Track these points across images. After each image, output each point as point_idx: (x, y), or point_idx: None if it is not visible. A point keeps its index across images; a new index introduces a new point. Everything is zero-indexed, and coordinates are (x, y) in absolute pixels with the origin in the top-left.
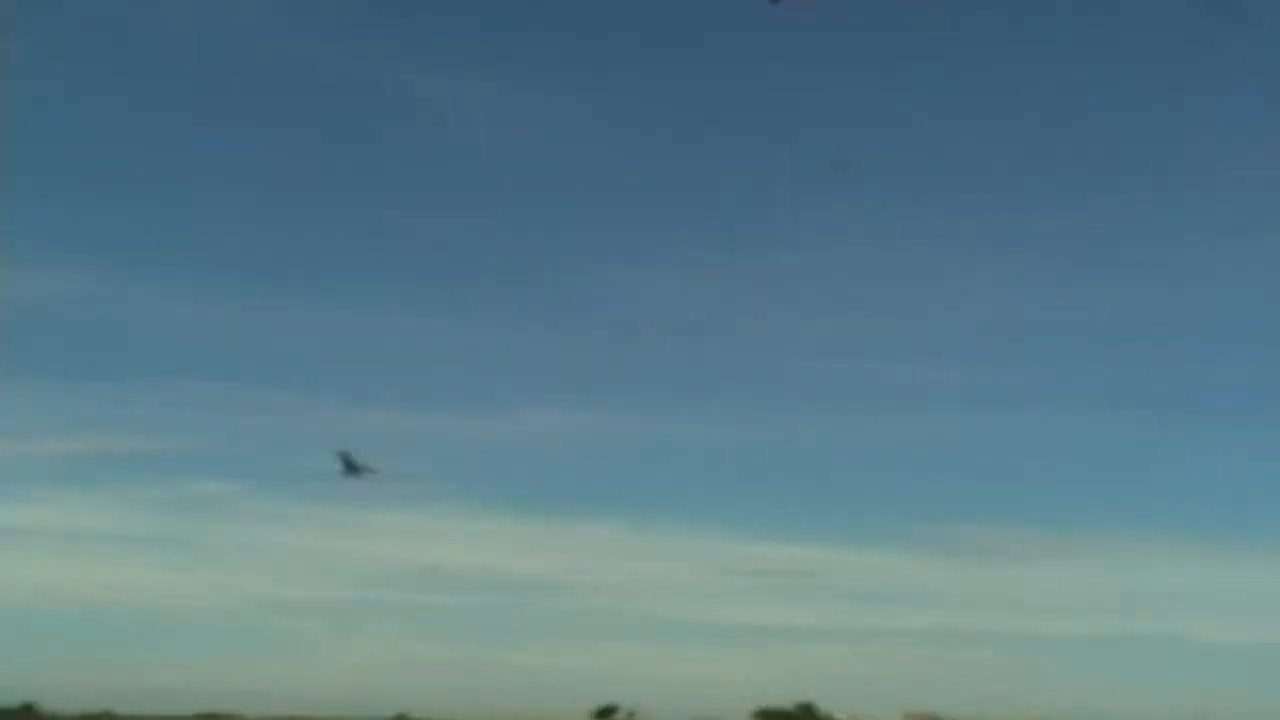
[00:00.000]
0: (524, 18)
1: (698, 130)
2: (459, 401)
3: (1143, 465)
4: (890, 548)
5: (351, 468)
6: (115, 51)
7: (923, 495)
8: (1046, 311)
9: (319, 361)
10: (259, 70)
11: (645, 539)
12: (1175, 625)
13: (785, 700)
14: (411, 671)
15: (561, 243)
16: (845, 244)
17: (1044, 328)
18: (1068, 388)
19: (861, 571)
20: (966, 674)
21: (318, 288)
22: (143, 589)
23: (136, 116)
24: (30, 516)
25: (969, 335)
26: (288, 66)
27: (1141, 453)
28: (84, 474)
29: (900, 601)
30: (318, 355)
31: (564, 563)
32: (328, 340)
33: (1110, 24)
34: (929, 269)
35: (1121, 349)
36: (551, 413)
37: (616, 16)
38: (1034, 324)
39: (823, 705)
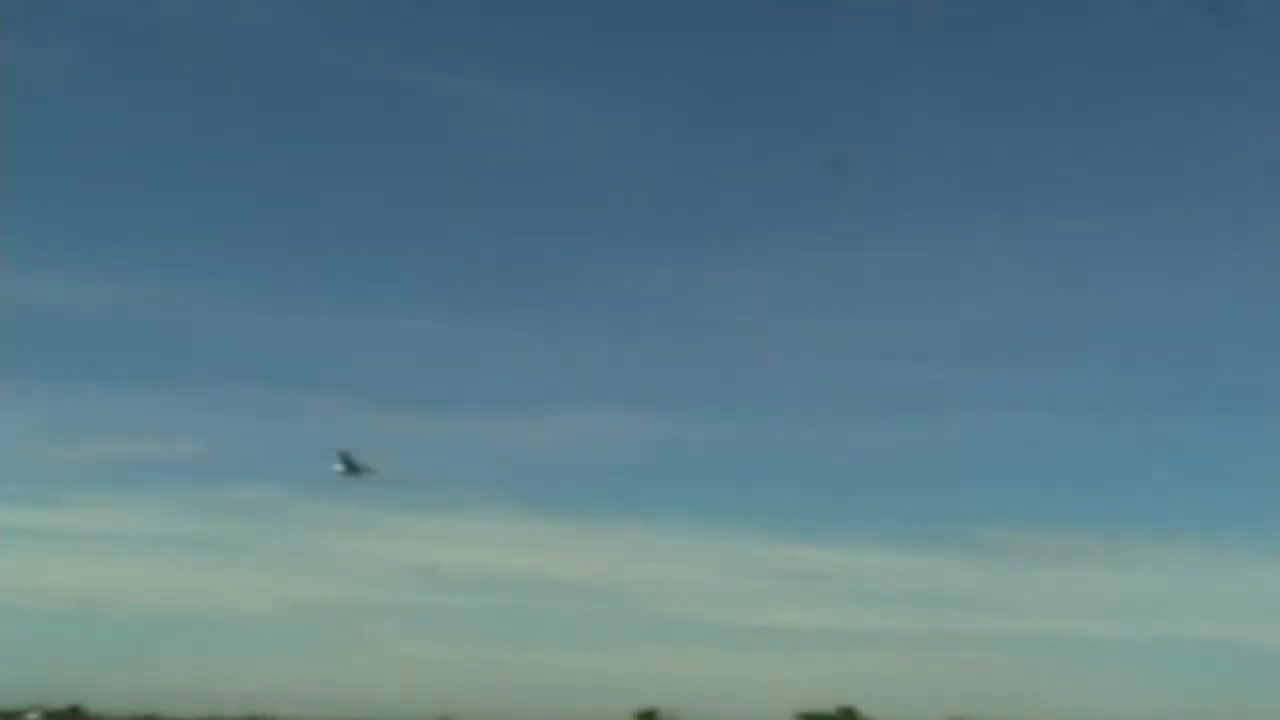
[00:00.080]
0: (544, 17)
1: (722, 131)
2: (493, 405)
3: (1185, 467)
4: (933, 551)
5: (352, 468)
6: (151, 59)
7: (965, 498)
8: (1081, 313)
9: (356, 366)
10: (292, 74)
11: (682, 542)
12: (1222, 629)
13: (827, 704)
14: (453, 675)
15: (589, 246)
16: (874, 246)
17: (1079, 329)
18: (1107, 389)
19: (902, 575)
20: (1010, 678)
21: (355, 293)
22: (187, 592)
23: (184, 123)
24: (75, 520)
25: (1005, 337)
26: (322, 70)
27: (1185, 454)
28: (128, 478)
29: (943, 605)
30: (355, 359)
31: (603, 566)
32: (366, 345)
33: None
34: (959, 270)
35: (1162, 350)
36: (586, 416)
37: (640, 17)
38: (1068, 325)
39: (865, 709)
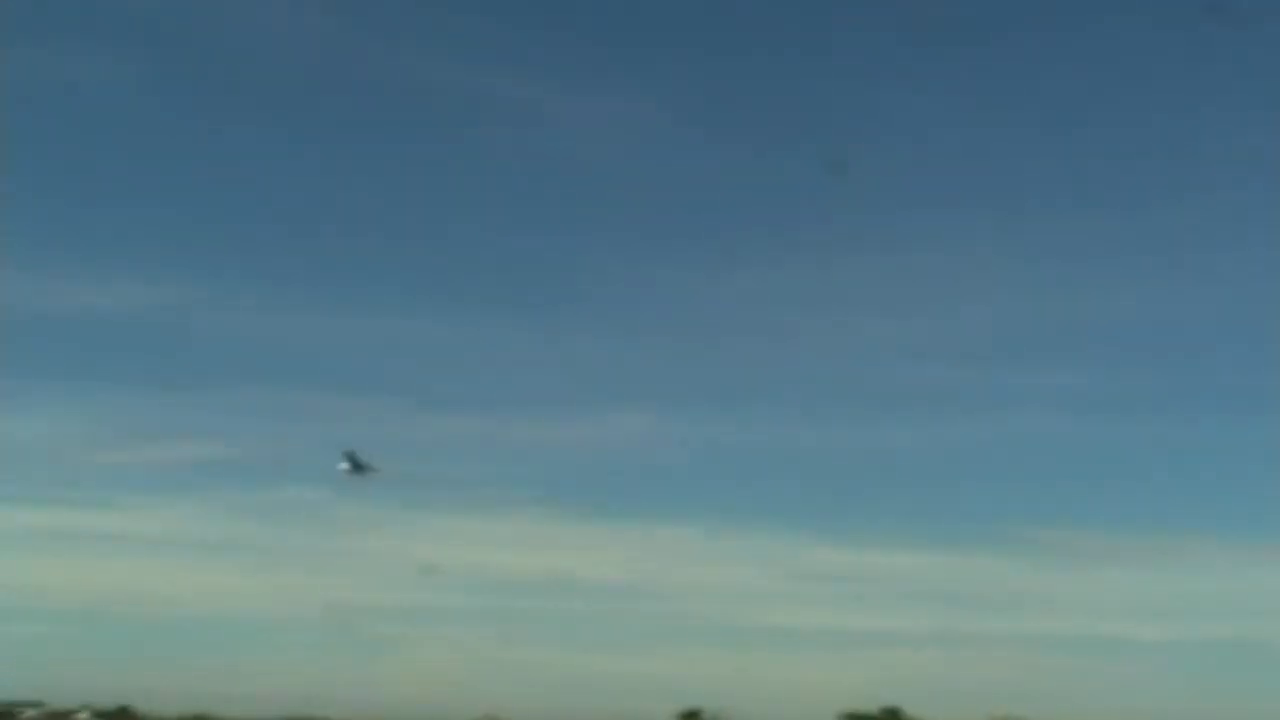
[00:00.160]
0: (592, 21)
1: (768, 134)
2: (534, 407)
3: (1227, 467)
4: (976, 551)
5: (357, 466)
6: (189, 65)
7: (1008, 498)
8: (1121, 312)
9: (397, 369)
10: (327, 79)
11: (725, 543)
12: (1263, 629)
13: (871, 705)
14: (495, 676)
15: (634, 247)
16: (920, 247)
17: (1119, 329)
18: (1147, 389)
19: (947, 575)
20: (1055, 678)
21: (397, 295)
22: (230, 593)
23: (215, 129)
24: (121, 523)
25: (1057, 338)
26: (357, 73)
27: (1226, 454)
28: (170, 481)
29: (987, 605)
30: (396, 363)
31: (645, 567)
32: (406, 348)
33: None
34: (990, 270)
35: (1203, 349)
36: (627, 417)
37: (664, 18)
38: (1117, 327)
39: (909, 709)
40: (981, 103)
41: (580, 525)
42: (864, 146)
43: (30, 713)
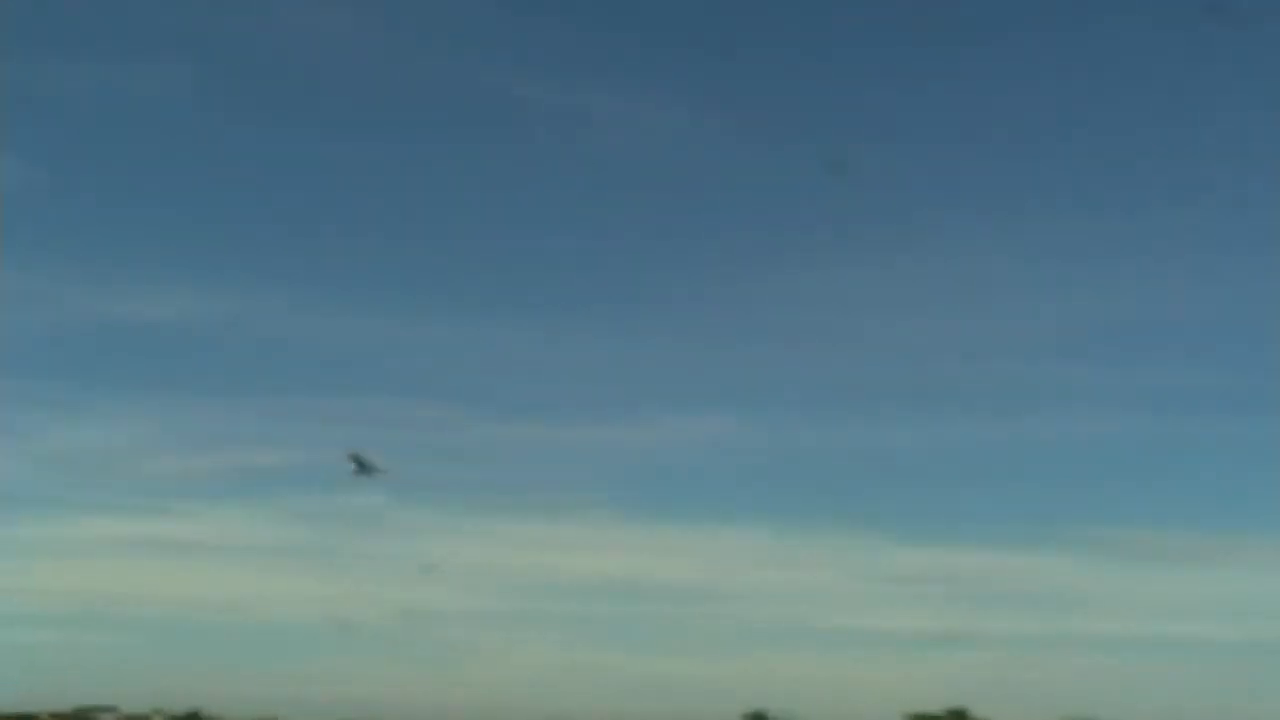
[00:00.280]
0: (652, 30)
1: (822, 138)
2: (602, 411)
3: None
4: (1043, 551)
5: (364, 468)
6: (240, 74)
7: (1077, 498)
8: (1198, 310)
9: (461, 375)
10: (389, 84)
11: (790, 545)
12: None
13: (937, 706)
14: (562, 680)
15: (696, 251)
16: (983, 246)
17: (1196, 327)
18: (1217, 386)
19: (1014, 576)
20: (1123, 678)
21: (458, 302)
22: (298, 599)
23: (277, 136)
24: (186, 530)
25: (1121, 335)
26: (417, 79)
27: None
28: (237, 488)
29: (1054, 605)
30: (461, 368)
31: (710, 570)
32: (470, 353)
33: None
34: (1061, 266)
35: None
36: (699, 420)
37: (745, 25)
38: (1185, 323)
39: (976, 711)
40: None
41: (646, 529)
42: (916, 148)
43: (104, 718)
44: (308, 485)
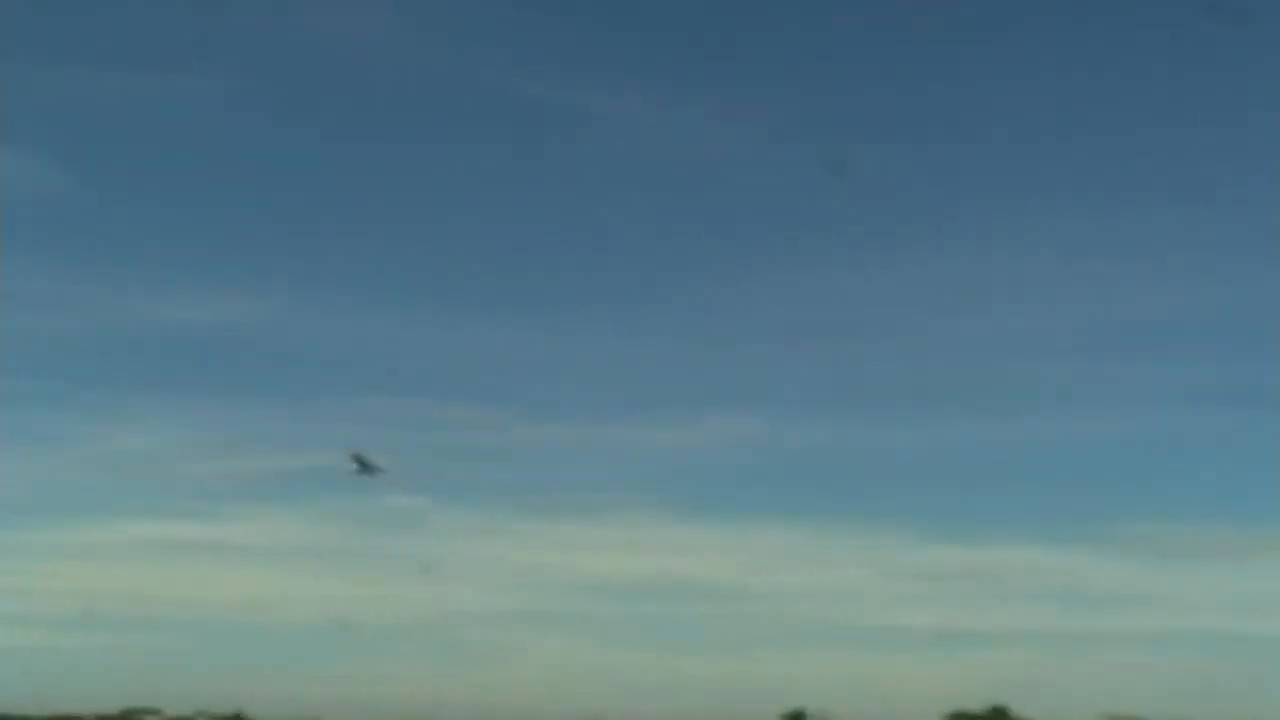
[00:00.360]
0: (681, 31)
1: (856, 137)
2: (638, 411)
3: None
4: (1081, 548)
5: (365, 467)
6: (281, 80)
7: (1111, 494)
8: (1225, 304)
9: (497, 376)
10: (424, 87)
11: (828, 543)
12: None
13: (977, 704)
14: (601, 679)
15: (734, 250)
16: (1014, 246)
17: (1223, 320)
18: (1252, 380)
19: (1054, 573)
20: (1165, 676)
21: (495, 303)
22: (340, 601)
23: (306, 140)
24: (229, 533)
25: (1156, 332)
26: (452, 83)
27: None
28: (279, 491)
29: (1095, 602)
30: (496, 370)
31: (748, 568)
32: (506, 355)
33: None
34: (1096, 265)
35: None
36: (732, 419)
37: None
38: (1213, 316)
39: (1016, 709)
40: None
41: (685, 528)
42: (966, 147)
43: (148, 719)
44: (345, 487)
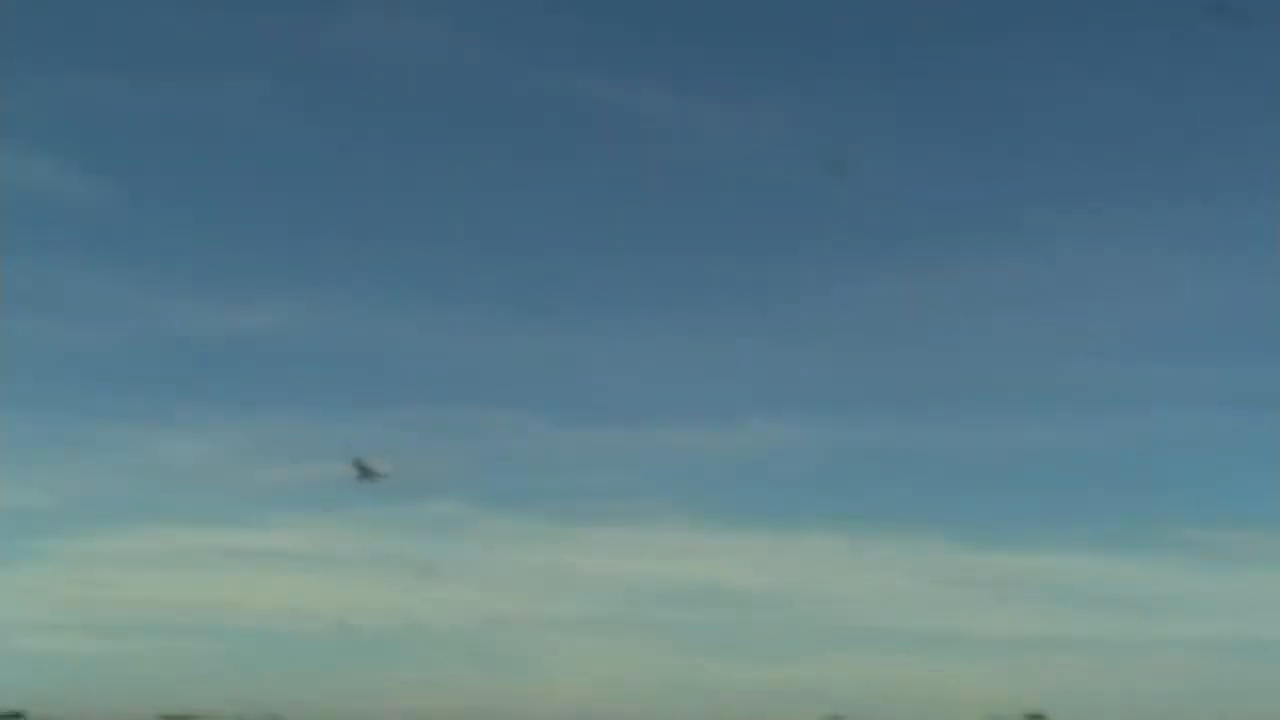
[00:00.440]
0: (741, 31)
1: (915, 142)
2: (679, 415)
3: None
4: (1123, 553)
5: (366, 472)
6: (328, 85)
7: (1159, 498)
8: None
9: (538, 381)
10: (457, 89)
11: (869, 549)
12: None
13: (1015, 711)
14: (637, 685)
15: (782, 255)
16: (1061, 245)
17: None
18: None
19: (1093, 578)
20: (1205, 682)
21: (535, 310)
22: (380, 607)
23: (343, 144)
24: (275, 540)
25: (1204, 333)
26: (484, 85)
27: None
28: (320, 498)
29: (1135, 608)
30: (537, 375)
31: (788, 575)
32: (545, 359)
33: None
34: (1143, 265)
35: None
36: (773, 424)
37: (833, 25)
38: (1263, 319)
39: (1054, 716)
40: (1097, 94)
41: (724, 533)
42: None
43: None
44: (393, 495)
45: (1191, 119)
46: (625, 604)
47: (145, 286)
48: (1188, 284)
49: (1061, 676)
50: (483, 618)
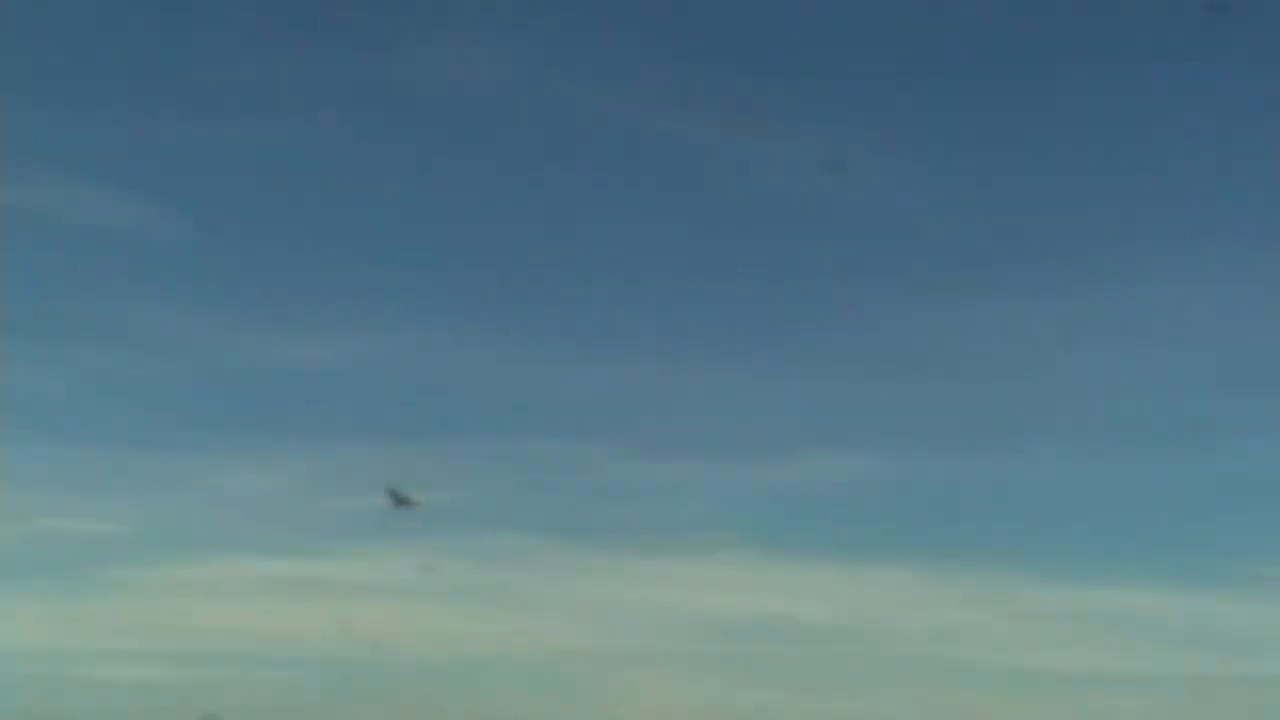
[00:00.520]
0: (805, 65)
1: (988, 174)
2: (745, 448)
3: None
4: (1199, 589)
5: (400, 500)
6: (391, 118)
7: (1242, 533)
8: None
9: (606, 413)
10: (544, 125)
11: (939, 583)
12: None
13: None
14: (705, 719)
15: (852, 286)
16: (1142, 274)
17: None
18: None
19: (1167, 614)
20: None
21: (599, 341)
22: (444, 638)
23: (434, 180)
24: (339, 570)
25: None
26: (573, 122)
27: None
28: (386, 529)
29: (1210, 645)
30: (606, 407)
31: (856, 609)
32: (614, 391)
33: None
34: (1225, 297)
35: None
36: (839, 457)
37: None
38: None
39: None
40: (1189, 125)
41: (792, 566)
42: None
43: None
44: (458, 526)
45: (1266, 144)
46: (690, 637)
47: (215, 320)
48: (1261, 315)
49: (1135, 714)
50: (547, 650)
